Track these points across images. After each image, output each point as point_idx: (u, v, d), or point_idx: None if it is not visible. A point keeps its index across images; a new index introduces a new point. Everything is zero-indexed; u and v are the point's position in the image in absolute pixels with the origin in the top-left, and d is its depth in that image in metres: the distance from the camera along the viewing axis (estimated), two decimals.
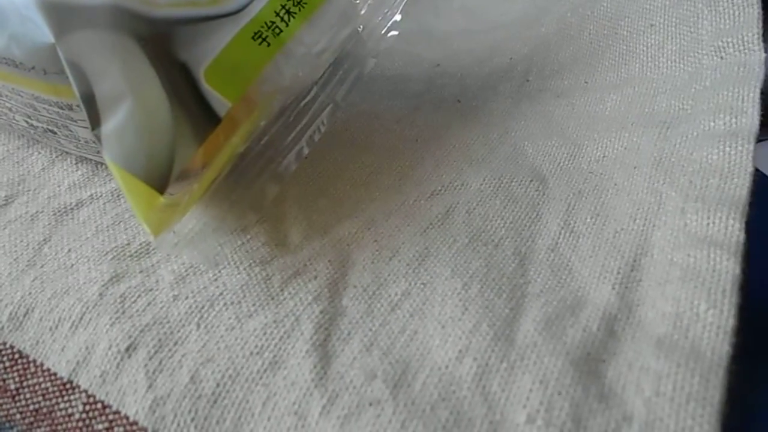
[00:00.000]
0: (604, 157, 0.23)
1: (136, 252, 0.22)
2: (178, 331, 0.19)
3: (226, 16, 0.21)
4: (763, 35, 0.23)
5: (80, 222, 0.23)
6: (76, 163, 0.25)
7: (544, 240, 0.21)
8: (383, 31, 0.25)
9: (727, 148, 0.20)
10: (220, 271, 0.21)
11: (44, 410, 0.19)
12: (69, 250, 0.22)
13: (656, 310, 0.18)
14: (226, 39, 0.21)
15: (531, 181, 0.23)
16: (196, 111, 0.20)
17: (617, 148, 0.23)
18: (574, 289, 0.19)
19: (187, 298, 0.20)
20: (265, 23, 0.22)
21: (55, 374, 0.19)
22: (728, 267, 0.17)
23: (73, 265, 0.21)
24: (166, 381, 0.18)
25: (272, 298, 0.20)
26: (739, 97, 0.21)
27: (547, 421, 0.16)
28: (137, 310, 0.20)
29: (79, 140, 0.23)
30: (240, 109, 0.21)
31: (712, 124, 0.21)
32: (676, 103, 0.23)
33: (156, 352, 0.19)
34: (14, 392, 0.19)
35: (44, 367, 0.19)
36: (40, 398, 0.19)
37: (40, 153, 0.26)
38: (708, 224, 0.19)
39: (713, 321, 0.17)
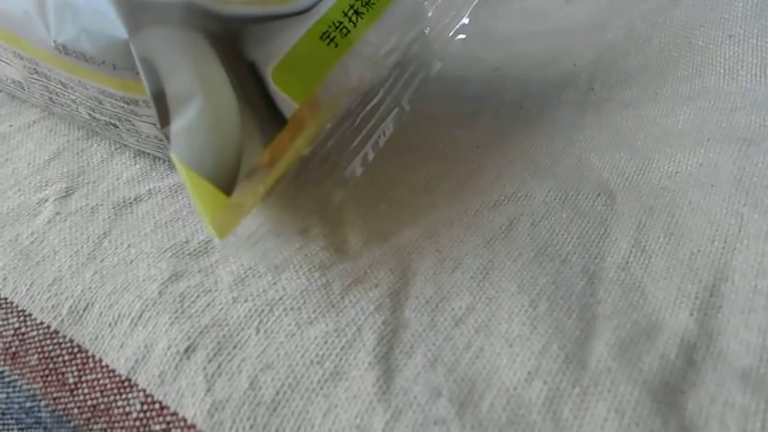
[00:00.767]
0: (677, 172, 0.22)
1: (194, 250, 0.21)
2: (238, 335, 0.19)
3: (295, 15, 0.21)
4: None
5: (139, 217, 0.23)
6: (135, 157, 0.25)
7: (613, 258, 0.20)
8: (450, 34, 0.24)
9: None
10: (279, 275, 0.20)
11: (102, 406, 0.19)
12: (128, 246, 0.22)
13: (739, 340, 0.17)
14: (294, 39, 0.20)
15: (598, 194, 0.22)
16: (263, 111, 0.20)
17: (692, 164, 0.22)
18: (648, 313, 0.18)
19: (246, 301, 0.20)
20: (333, 23, 0.21)
21: (113, 371, 0.19)
22: None
23: (132, 260, 0.21)
24: (225, 385, 0.18)
25: (333, 306, 0.19)
26: None
27: None
28: (196, 311, 0.20)
29: (140, 135, 0.22)
30: (306, 110, 0.20)
31: None
32: (757, 119, 0.22)
33: (215, 355, 0.19)
34: (72, 386, 0.19)
35: (103, 363, 0.19)
36: (98, 394, 0.19)
37: (99, 145, 0.26)
38: None
39: None
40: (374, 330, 0.19)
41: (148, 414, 0.18)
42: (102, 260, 0.21)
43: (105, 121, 0.23)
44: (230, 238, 0.20)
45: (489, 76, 0.30)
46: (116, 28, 0.18)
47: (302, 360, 0.18)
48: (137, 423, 0.18)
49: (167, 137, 0.18)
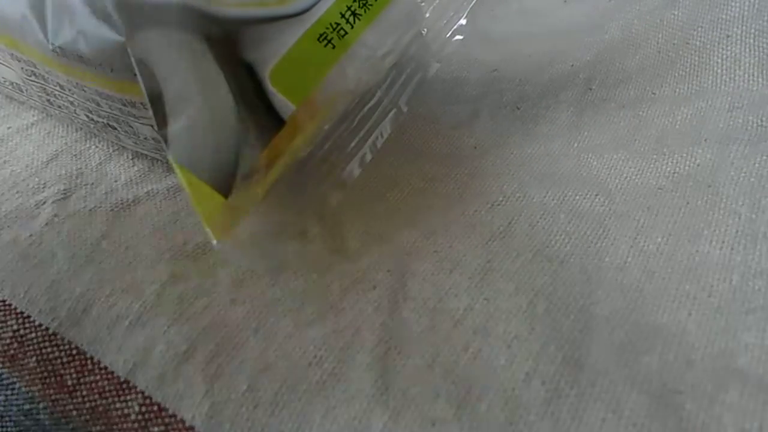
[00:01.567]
0: (674, 173, 0.22)
1: (193, 252, 0.21)
2: (236, 336, 0.19)
3: (292, 17, 0.21)
4: None
5: (137, 219, 0.23)
6: (132, 159, 0.25)
7: (611, 258, 0.20)
8: (448, 35, 0.24)
9: None
10: (277, 276, 0.20)
11: (100, 409, 0.19)
12: (127, 248, 0.22)
13: (737, 340, 0.17)
14: (292, 40, 0.20)
15: (596, 195, 0.22)
16: (261, 113, 0.20)
17: (689, 164, 0.22)
18: (646, 313, 0.18)
19: (244, 302, 0.20)
20: (330, 24, 0.21)
21: (112, 373, 0.19)
22: None
23: (131, 263, 0.21)
24: (224, 387, 0.18)
25: (331, 307, 0.19)
26: None
27: None
28: (195, 312, 0.20)
29: (139, 136, 0.23)
30: (304, 112, 0.20)
31: None
32: (755, 119, 0.22)
33: (214, 357, 0.19)
34: (71, 388, 0.19)
35: (102, 365, 0.19)
36: (97, 396, 0.19)
37: (97, 147, 0.26)
38: None
39: None
40: (373, 331, 0.19)
41: (146, 416, 0.18)
42: (100, 262, 0.21)
43: (103, 123, 0.23)
44: (228, 239, 0.20)
45: (487, 77, 0.30)
46: (113, 30, 0.18)
47: (301, 361, 0.18)
48: (136, 425, 0.18)
49: (165, 139, 0.18)
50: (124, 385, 0.19)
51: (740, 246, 0.19)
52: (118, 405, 0.19)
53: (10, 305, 0.21)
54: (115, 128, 0.23)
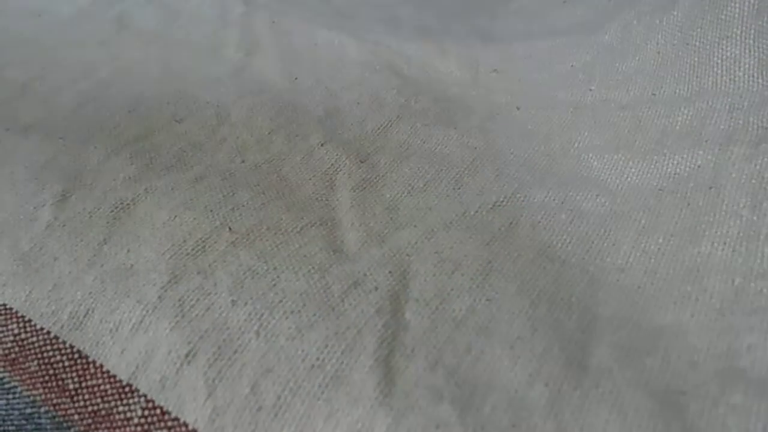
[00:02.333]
0: (675, 174, 0.22)
1: (192, 250, 0.21)
2: (238, 339, 0.19)
3: None
4: None
5: (137, 219, 0.23)
6: (130, 158, 0.25)
7: (613, 259, 0.20)
8: None
9: None
10: (278, 277, 0.20)
11: (103, 412, 0.19)
12: (128, 251, 0.22)
13: (740, 341, 0.17)
14: None
15: (598, 195, 0.22)
16: None
17: (690, 165, 0.22)
18: (648, 314, 0.18)
19: (246, 304, 0.20)
20: None
21: (114, 376, 0.19)
22: None
23: (132, 265, 0.21)
24: (227, 390, 0.18)
25: (333, 309, 0.19)
26: None
27: None
28: (196, 315, 0.20)
29: None
30: None
31: None
32: (755, 121, 0.22)
33: (216, 360, 0.19)
34: (73, 392, 0.19)
35: (104, 369, 0.19)
36: (99, 400, 0.19)
37: (95, 147, 0.26)
38: None
39: None
40: (374, 333, 0.19)
41: (149, 419, 0.18)
42: (102, 265, 0.21)
43: None
44: (225, 234, 0.19)
45: (486, 77, 0.30)
46: None
47: (303, 364, 0.18)
48: (139, 428, 0.18)
49: None
50: (127, 389, 0.19)
51: (742, 247, 0.19)
52: (120, 409, 0.19)
53: (11, 309, 0.20)
54: None
